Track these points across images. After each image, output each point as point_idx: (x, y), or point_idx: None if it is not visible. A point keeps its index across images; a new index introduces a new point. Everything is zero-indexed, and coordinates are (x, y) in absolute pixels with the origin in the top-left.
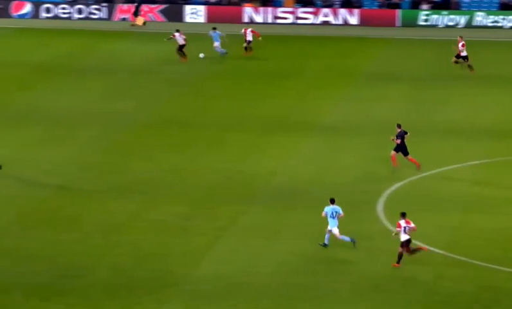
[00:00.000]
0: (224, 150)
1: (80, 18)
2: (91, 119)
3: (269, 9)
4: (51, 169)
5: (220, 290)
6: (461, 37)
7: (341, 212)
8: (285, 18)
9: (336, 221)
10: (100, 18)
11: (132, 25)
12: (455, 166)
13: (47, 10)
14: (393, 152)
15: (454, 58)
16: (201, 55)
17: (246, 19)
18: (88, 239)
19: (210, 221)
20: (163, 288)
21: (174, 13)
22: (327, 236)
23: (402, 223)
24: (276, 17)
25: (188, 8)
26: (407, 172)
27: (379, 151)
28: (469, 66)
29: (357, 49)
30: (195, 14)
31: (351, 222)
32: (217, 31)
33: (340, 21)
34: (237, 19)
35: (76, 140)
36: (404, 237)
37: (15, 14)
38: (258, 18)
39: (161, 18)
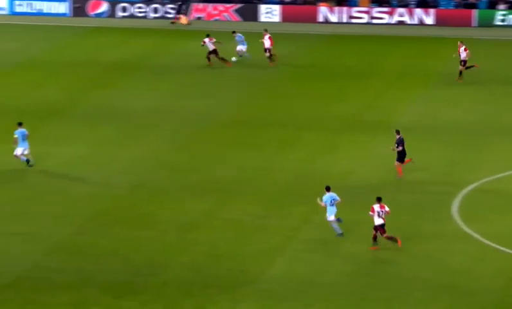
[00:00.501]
0: (298, 149)
1: (155, 18)
2: (166, 118)
3: (344, 8)
4: (126, 167)
5: (294, 289)
6: (461, 42)
7: (338, 198)
8: (360, 18)
9: (334, 209)
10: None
11: (172, 23)
12: None
13: (124, 9)
14: (396, 163)
15: (461, 67)
16: (234, 59)
17: (320, 19)
18: (163, 237)
19: (285, 220)
20: (237, 286)
21: (249, 13)
22: (335, 227)
23: (376, 207)
24: (351, 17)
25: (263, 8)
26: (482, 173)
27: (454, 152)
28: (467, 68)
29: (433, 49)
30: (270, 13)
31: (425, 222)
32: (239, 34)
33: (416, 21)
34: (312, 19)
35: (151, 138)
36: (378, 221)
37: (91, 13)
38: (333, 18)
39: (236, 17)
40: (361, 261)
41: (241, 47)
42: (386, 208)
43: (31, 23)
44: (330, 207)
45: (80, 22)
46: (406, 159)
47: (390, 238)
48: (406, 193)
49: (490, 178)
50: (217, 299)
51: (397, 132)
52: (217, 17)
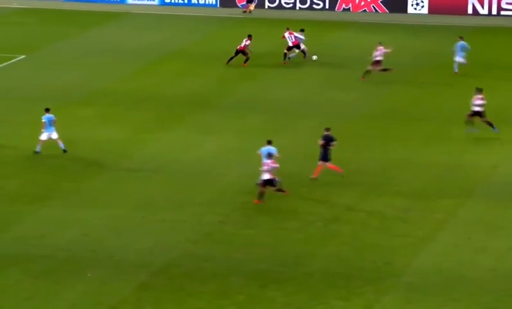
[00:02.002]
0: (445, 142)
1: (302, 8)
2: (312, 109)
3: (494, 0)
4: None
5: (440, 283)
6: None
7: (275, 152)
8: (510, 10)
9: (269, 161)
10: (322, 9)
11: (245, 11)
12: None
13: (272, 0)
14: (320, 162)
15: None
16: (314, 57)
17: (470, 11)
18: (308, 228)
19: (430, 214)
20: (382, 279)
21: (397, 4)
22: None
23: (268, 162)
24: (501, 9)
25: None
26: None
27: None
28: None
29: None
30: (418, 5)
31: None
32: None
33: None
34: (462, 11)
35: (299, 129)
36: (265, 175)
37: (240, 4)
38: (483, 10)
39: (384, 9)
40: (506, 257)
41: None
42: (276, 165)
43: (180, 13)
44: (265, 159)
45: (228, 12)
46: (332, 166)
47: (280, 190)
48: None
49: None
50: (361, 290)
51: (327, 129)
52: (365, 8)
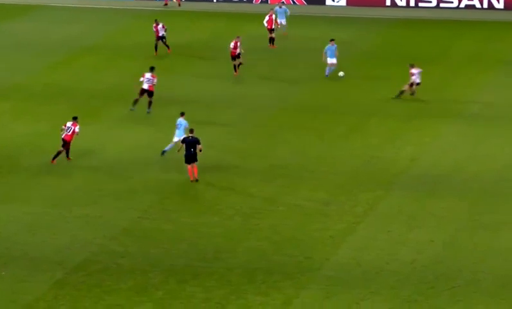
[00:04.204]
0: (364, 135)
1: (219, 1)
2: (231, 102)
3: None
4: None
5: (359, 277)
6: (411, 65)
7: (186, 124)
8: (428, 1)
9: (182, 133)
10: (240, 1)
11: (166, 4)
12: None
13: None
14: (189, 167)
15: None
16: (341, 74)
17: (388, 3)
18: (227, 222)
19: (349, 207)
20: (301, 273)
21: None
22: (169, 146)
23: (69, 124)
24: (419, 1)
25: None
26: None
27: None
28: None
29: (503, 34)
30: None
31: (495, 211)
32: (283, 8)
33: (485, 5)
34: (380, 3)
35: (217, 123)
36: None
37: None
38: (401, 3)
39: (302, 1)
40: (426, 249)
41: (281, 21)
42: (76, 129)
43: (96, 6)
44: (178, 131)
45: (143, 4)
46: (195, 168)
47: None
48: (473, 182)
49: None
50: (280, 285)
51: (191, 131)
52: (283, 1)
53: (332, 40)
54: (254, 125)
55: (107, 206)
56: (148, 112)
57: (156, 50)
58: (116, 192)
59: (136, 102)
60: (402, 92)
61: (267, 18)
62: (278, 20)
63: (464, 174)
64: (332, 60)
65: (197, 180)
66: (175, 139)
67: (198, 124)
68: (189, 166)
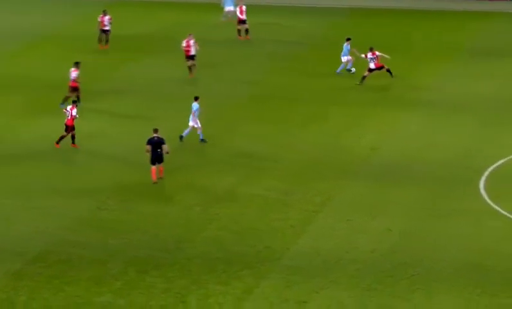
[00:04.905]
0: (324, 124)
1: None
2: (189, 91)
3: None
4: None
5: (319, 266)
6: (372, 50)
7: (198, 109)
8: None
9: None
10: None
11: None
12: None
13: None
14: (153, 167)
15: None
16: (353, 70)
17: None
18: (188, 212)
19: (310, 196)
20: (261, 262)
21: None
22: (186, 132)
23: (68, 108)
24: None
25: None
26: (508, 150)
27: (482, 129)
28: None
29: (461, 24)
30: None
31: (453, 199)
32: None
33: None
34: None
35: (176, 113)
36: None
37: None
38: None
39: None
40: (385, 238)
41: (229, 8)
42: (74, 113)
43: None
44: (191, 115)
45: None
46: (161, 169)
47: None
48: (432, 170)
49: None
50: (241, 274)
51: (155, 130)
52: None
53: (348, 39)
54: (213, 117)
55: (66, 197)
56: (61, 106)
57: (100, 42)
58: (74, 183)
59: (65, 99)
60: (364, 77)
61: (238, 9)
62: (226, 8)
63: (423, 162)
64: (344, 58)
65: (161, 179)
66: (191, 123)
67: (157, 118)
68: (154, 167)
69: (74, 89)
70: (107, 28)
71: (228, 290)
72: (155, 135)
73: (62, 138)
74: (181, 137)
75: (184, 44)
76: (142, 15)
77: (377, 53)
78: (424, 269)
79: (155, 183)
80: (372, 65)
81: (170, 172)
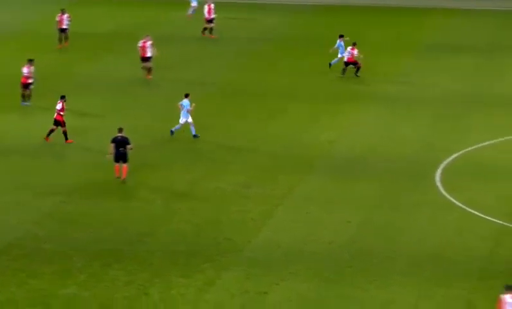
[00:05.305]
0: (287, 119)
1: None
2: (151, 89)
3: None
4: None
5: (280, 258)
6: (354, 45)
7: (189, 107)
8: None
9: (186, 114)
10: None
11: None
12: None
13: None
14: (117, 165)
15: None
16: (332, 62)
17: None
18: (149, 206)
19: (270, 190)
20: (222, 255)
21: None
22: (177, 127)
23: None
24: None
25: None
26: (463, 143)
27: (438, 123)
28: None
29: (418, 20)
30: None
31: (410, 192)
32: None
33: None
34: None
35: (138, 109)
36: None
37: None
38: None
39: None
40: (343, 230)
41: (194, 4)
42: (58, 107)
43: None
44: (182, 112)
45: None
46: (125, 168)
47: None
48: (388, 163)
49: (472, 148)
50: (202, 267)
51: (119, 130)
52: None
53: (341, 36)
54: (177, 114)
55: (30, 191)
56: (23, 104)
57: (60, 42)
58: (38, 178)
59: (23, 96)
60: (344, 70)
61: (206, 8)
62: (193, 4)
63: (380, 156)
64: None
65: (124, 181)
66: (182, 120)
67: (120, 110)
68: (117, 164)
69: (26, 86)
70: (65, 27)
71: (190, 282)
72: (119, 134)
73: (51, 131)
74: (172, 132)
75: (140, 44)
76: (104, 13)
77: (355, 51)
78: (381, 260)
79: (118, 177)
80: (345, 59)
81: (134, 169)
